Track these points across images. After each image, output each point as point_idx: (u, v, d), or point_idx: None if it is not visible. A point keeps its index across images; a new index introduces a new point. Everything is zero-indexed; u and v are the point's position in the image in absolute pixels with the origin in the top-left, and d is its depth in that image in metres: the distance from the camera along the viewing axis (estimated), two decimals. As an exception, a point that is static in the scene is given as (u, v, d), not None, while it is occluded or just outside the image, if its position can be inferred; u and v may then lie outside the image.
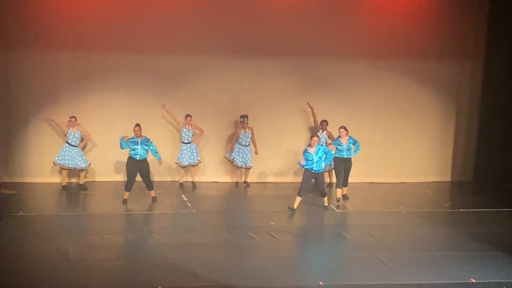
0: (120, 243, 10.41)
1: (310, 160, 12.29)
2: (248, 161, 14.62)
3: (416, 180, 15.62)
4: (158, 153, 12.89)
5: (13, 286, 8.56)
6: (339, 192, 13.22)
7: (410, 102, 15.47)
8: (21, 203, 12.74)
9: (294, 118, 15.18)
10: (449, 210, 13.21)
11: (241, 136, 14.52)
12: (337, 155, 13.13)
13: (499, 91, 14.59)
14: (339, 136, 13.18)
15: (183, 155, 14.32)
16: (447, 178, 15.99)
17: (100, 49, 14.20)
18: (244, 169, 14.72)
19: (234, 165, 14.75)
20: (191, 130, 14.33)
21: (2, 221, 11.34)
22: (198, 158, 14.46)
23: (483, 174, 15.21)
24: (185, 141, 14.33)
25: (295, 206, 12.48)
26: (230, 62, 14.75)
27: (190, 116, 14.25)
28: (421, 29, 15.06)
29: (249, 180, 14.93)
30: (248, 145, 14.58)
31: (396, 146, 15.61)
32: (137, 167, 12.63)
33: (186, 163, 14.36)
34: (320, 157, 12.33)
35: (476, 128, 15.61)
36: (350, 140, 13.16)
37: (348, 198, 13.48)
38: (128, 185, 12.72)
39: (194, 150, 14.41)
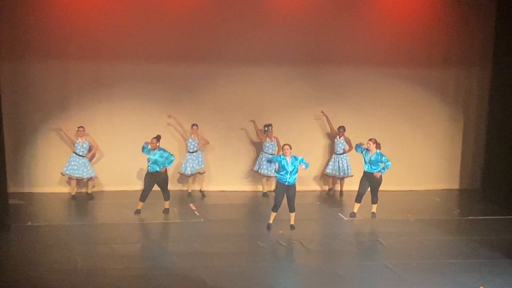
0: (128, 253, 10.40)
1: (284, 171, 11.55)
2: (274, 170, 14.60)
3: (424, 188, 15.59)
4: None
5: (23, 296, 8.61)
6: (356, 207, 12.85)
7: (418, 109, 15.47)
8: (30, 213, 12.76)
9: (306, 125, 15.19)
10: (458, 218, 13.18)
11: (267, 145, 14.52)
12: (364, 168, 12.63)
13: (507, 98, 14.54)
14: (367, 149, 12.61)
15: (187, 165, 14.34)
16: (456, 185, 15.95)
17: (109, 59, 14.25)
18: (270, 177, 14.67)
19: (260, 174, 14.73)
20: (197, 140, 14.35)
21: (10, 231, 11.36)
22: (203, 166, 14.48)
23: (491, 182, 15.16)
24: (191, 151, 14.36)
25: (270, 221, 11.91)
26: (239, 70, 14.78)
27: (197, 126, 14.28)
28: (428, 36, 15.08)
29: (264, 189, 14.90)
30: (273, 153, 14.55)
31: (404, 154, 15.57)
32: (156, 179, 12.56)
33: (189, 173, 14.38)
34: (295, 169, 11.56)
35: (484, 135, 15.61)
36: (377, 157, 12.45)
37: (375, 216, 12.90)
38: (144, 195, 12.64)
39: (200, 158, 14.43)
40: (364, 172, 12.68)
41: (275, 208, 11.78)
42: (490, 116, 15.34)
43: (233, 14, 14.54)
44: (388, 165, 12.52)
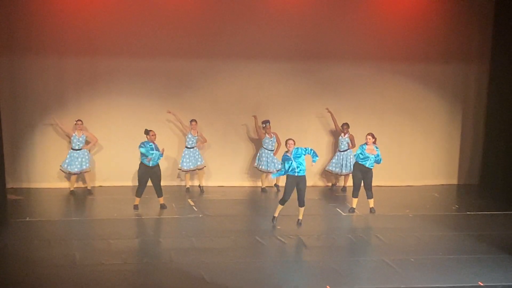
0: (127, 248, 10.40)
1: (290, 167, 11.41)
2: (274, 166, 14.59)
3: (423, 183, 15.61)
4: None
5: (21, 291, 8.60)
6: (354, 202, 12.86)
7: (417, 105, 15.47)
8: (28, 208, 12.77)
9: (306, 121, 15.19)
10: (456, 213, 13.19)
11: (266, 141, 14.51)
12: (358, 161, 12.59)
13: (505, 93, 14.56)
14: (366, 143, 12.51)
15: (185, 160, 14.35)
16: (454, 181, 15.97)
17: (106, 53, 14.23)
18: (269, 173, 14.56)
19: (259, 170, 14.71)
20: (196, 136, 14.34)
21: (9, 226, 11.37)
22: (202, 161, 14.49)
23: (489, 177, 15.19)
24: (189, 146, 14.36)
25: (275, 214, 11.89)
26: (237, 66, 14.77)
27: (195, 121, 14.27)
28: (426, 32, 15.08)
29: (262, 184, 14.87)
30: (273, 149, 14.56)
31: (403, 149, 15.60)
32: (149, 173, 12.53)
33: (187, 168, 14.38)
34: (300, 162, 11.43)
35: (482, 131, 15.62)
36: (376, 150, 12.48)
37: (374, 212, 12.81)
38: (139, 190, 12.65)
39: (197, 154, 14.43)
40: (360, 166, 12.62)
41: (282, 201, 11.69)
42: (488, 111, 15.35)
43: (231, 9, 14.51)
44: (378, 159, 12.54)
